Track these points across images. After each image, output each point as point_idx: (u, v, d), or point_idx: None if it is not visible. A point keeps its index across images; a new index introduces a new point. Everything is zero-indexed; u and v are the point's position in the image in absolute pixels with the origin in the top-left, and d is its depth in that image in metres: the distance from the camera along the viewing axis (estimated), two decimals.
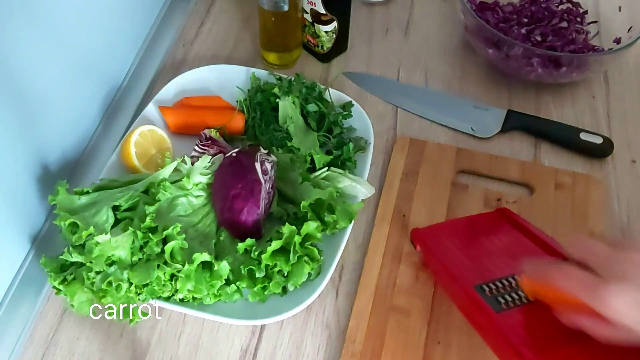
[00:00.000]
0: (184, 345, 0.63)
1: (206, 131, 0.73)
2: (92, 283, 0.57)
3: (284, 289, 0.61)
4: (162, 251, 0.59)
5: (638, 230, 0.71)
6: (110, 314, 0.58)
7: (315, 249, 0.61)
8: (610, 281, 0.41)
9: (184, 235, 0.59)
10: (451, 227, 0.66)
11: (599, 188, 0.73)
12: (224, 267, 0.59)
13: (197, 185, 0.66)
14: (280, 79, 0.80)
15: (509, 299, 0.53)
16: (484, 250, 0.61)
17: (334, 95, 0.79)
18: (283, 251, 0.60)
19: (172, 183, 0.65)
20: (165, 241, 0.59)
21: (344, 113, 0.77)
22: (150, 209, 0.61)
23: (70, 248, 0.59)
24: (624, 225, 0.72)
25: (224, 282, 0.59)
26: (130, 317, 0.58)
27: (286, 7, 0.79)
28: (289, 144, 0.72)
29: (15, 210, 0.63)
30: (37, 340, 0.63)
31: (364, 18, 0.97)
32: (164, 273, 0.58)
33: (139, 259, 0.60)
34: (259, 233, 0.64)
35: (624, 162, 0.78)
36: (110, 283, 0.57)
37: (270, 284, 0.60)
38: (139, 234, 0.59)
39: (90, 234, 0.58)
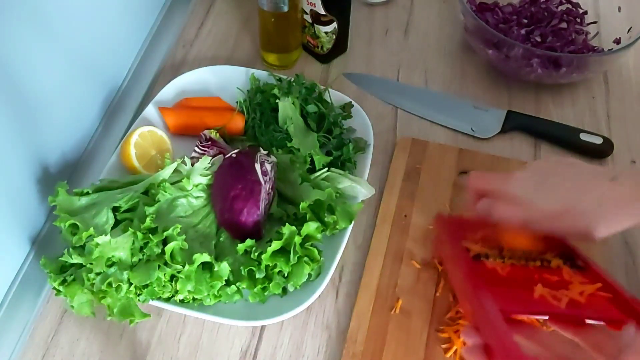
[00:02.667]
0: (184, 346, 0.63)
1: (206, 132, 0.73)
2: (92, 284, 0.57)
3: (284, 290, 0.61)
4: (162, 252, 0.59)
5: (637, 231, 0.71)
6: (110, 315, 0.58)
7: (315, 250, 0.61)
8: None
9: (184, 236, 0.59)
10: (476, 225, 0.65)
11: None
12: (224, 268, 0.59)
13: (197, 186, 0.66)
14: (280, 79, 0.80)
15: (492, 257, 0.53)
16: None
17: (334, 95, 0.79)
18: (283, 252, 0.60)
19: (172, 184, 0.65)
20: (165, 242, 0.59)
21: (344, 114, 0.77)
22: (150, 209, 0.61)
23: (70, 249, 0.59)
24: None
25: (224, 282, 0.59)
26: (130, 318, 0.58)
27: (286, 8, 0.79)
28: (288, 144, 0.72)
29: (16, 211, 0.63)
30: (37, 341, 0.63)
31: (363, 19, 0.97)
32: (164, 274, 0.58)
33: (139, 259, 0.60)
34: (258, 234, 0.64)
35: (624, 163, 0.78)
36: (110, 284, 0.57)
37: (270, 285, 0.59)
38: (139, 234, 0.59)
39: (90, 235, 0.58)
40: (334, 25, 0.84)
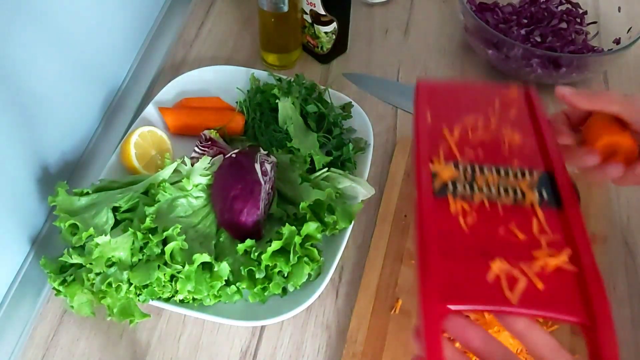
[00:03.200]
0: (184, 346, 0.63)
1: (206, 132, 0.73)
2: (92, 284, 0.57)
3: (284, 290, 0.61)
4: (162, 252, 0.59)
5: (637, 231, 0.71)
6: (110, 315, 0.58)
7: (315, 250, 0.61)
8: None
9: (184, 236, 0.59)
10: (461, 91, 0.55)
11: (601, 189, 0.73)
12: (224, 268, 0.59)
13: (196, 186, 0.66)
14: (279, 79, 0.80)
15: (460, 189, 0.45)
16: (480, 127, 0.50)
17: (334, 96, 0.79)
18: (283, 252, 0.60)
19: (172, 184, 0.65)
20: (165, 242, 0.59)
21: (344, 114, 0.77)
22: (150, 210, 0.61)
23: (70, 249, 0.59)
24: (624, 226, 0.72)
25: (224, 283, 0.59)
26: (130, 318, 0.58)
27: (286, 8, 0.79)
28: (288, 144, 0.72)
29: (15, 211, 0.63)
30: (37, 342, 0.63)
31: (363, 19, 0.97)
32: (164, 274, 0.58)
33: (139, 259, 0.60)
34: (258, 234, 0.64)
35: None
36: (110, 284, 0.57)
37: (270, 285, 0.59)
38: (139, 235, 0.59)
39: (90, 235, 0.58)
40: (334, 25, 0.84)
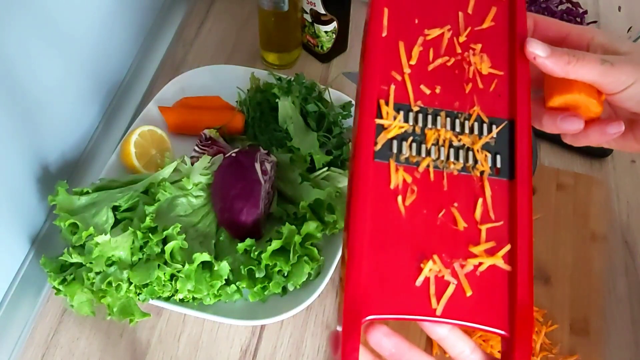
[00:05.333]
0: (184, 345, 0.63)
1: (206, 131, 0.73)
2: (92, 283, 0.57)
3: (284, 289, 0.61)
4: (162, 251, 0.59)
5: (637, 231, 0.71)
6: (110, 314, 0.58)
7: (315, 249, 0.61)
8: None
9: (184, 236, 0.59)
10: None
11: (601, 189, 0.73)
12: (224, 267, 0.59)
13: (196, 185, 0.66)
14: (279, 79, 0.80)
15: (405, 151, 0.38)
16: (445, 45, 0.42)
17: (334, 95, 0.79)
18: (283, 251, 0.60)
19: (172, 183, 0.65)
20: (165, 241, 0.59)
21: (344, 113, 0.77)
22: (150, 209, 0.61)
23: (70, 248, 0.59)
24: (624, 226, 0.72)
25: (224, 282, 0.59)
26: (130, 317, 0.58)
27: (286, 7, 0.79)
28: (288, 144, 0.72)
29: (15, 210, 0.63)
30: (37, 341, 0.63)
31: (363, 18, 0.96)
32: (164, 273, 0.58)
33: (139, 259, 0.60)
34: (258, 233, 0.64)
35: (624, 162, 0.78)
36: (110, 283, 0.57)
37: (270, 284, 0.59)
38: (139, 234, 0.59)
39: (90, 235, 0.58)
40: (334, 24, 0.84)
